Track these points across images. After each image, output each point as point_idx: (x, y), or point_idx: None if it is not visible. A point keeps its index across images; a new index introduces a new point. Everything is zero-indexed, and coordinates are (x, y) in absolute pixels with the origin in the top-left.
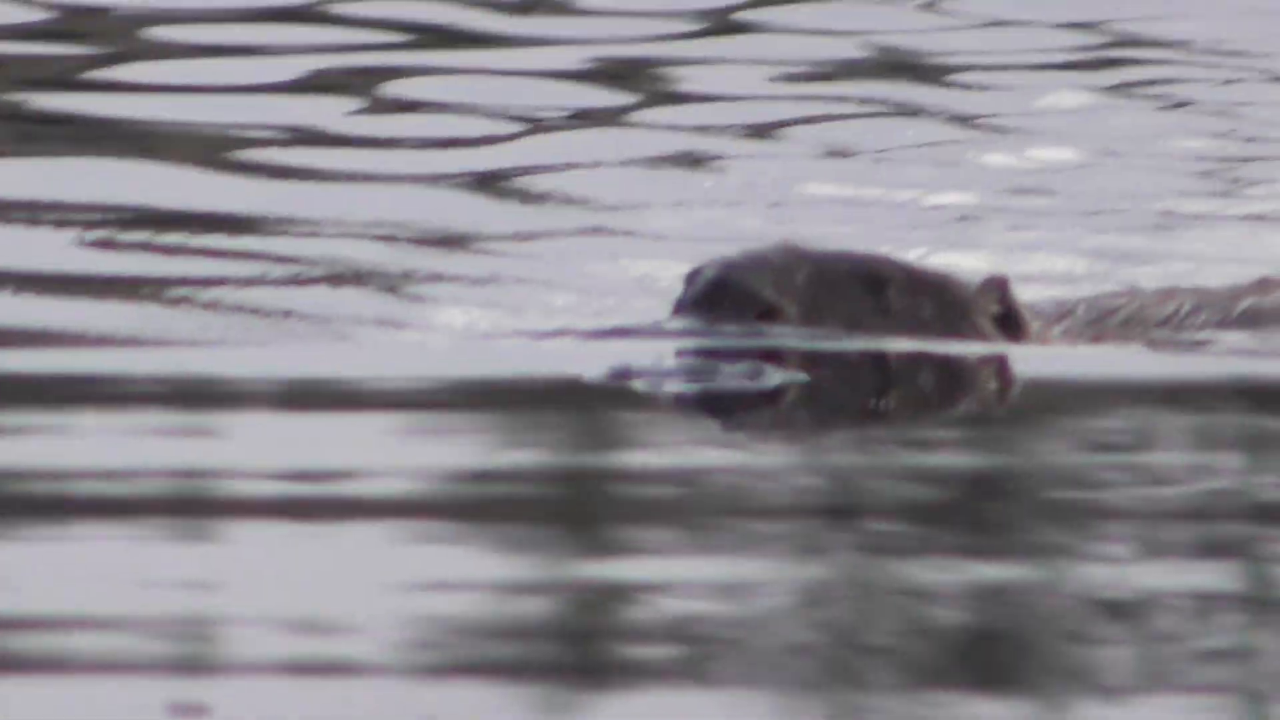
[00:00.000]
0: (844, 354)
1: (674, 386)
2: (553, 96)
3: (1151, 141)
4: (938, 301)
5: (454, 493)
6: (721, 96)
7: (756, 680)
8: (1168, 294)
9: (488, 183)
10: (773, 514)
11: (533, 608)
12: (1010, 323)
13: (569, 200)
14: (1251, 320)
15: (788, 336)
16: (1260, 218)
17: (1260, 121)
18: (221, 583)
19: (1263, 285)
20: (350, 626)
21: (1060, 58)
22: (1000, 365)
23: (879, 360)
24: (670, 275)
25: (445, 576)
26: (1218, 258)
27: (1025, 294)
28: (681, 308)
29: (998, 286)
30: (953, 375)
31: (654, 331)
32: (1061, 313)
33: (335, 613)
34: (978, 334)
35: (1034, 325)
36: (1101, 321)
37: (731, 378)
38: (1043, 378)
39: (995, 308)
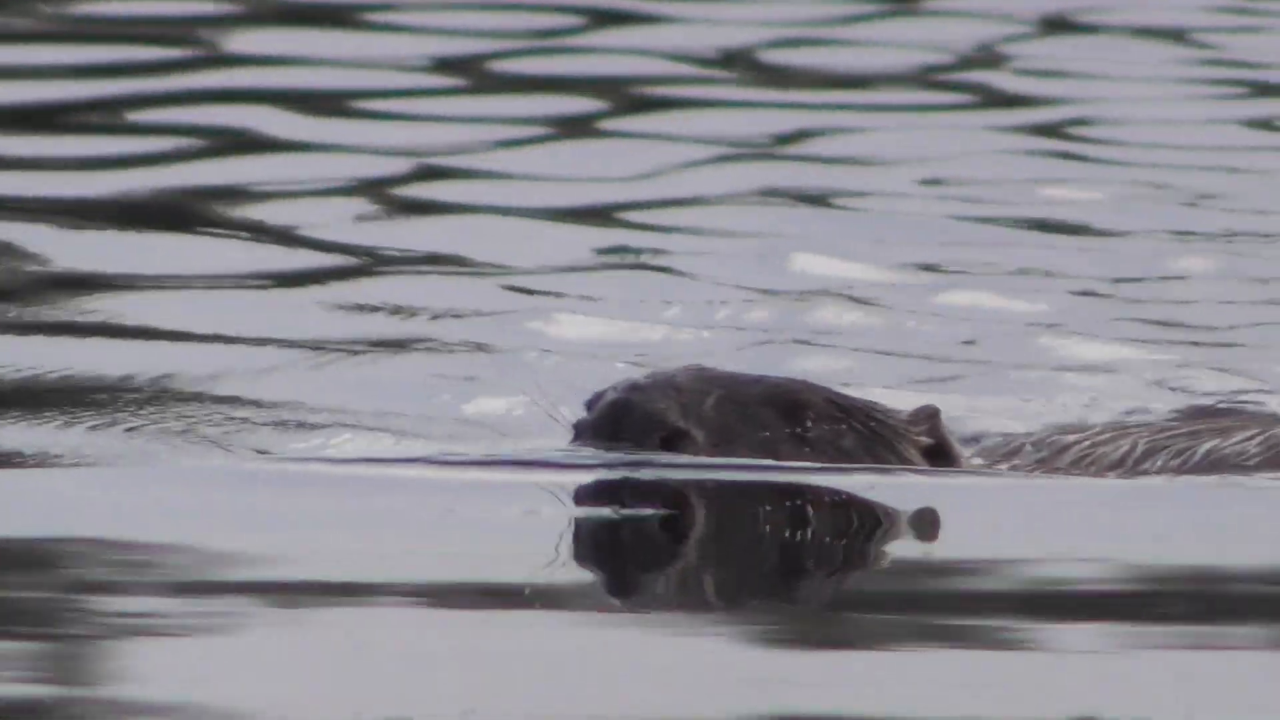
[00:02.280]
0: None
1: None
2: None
3: None
4: (862, 430)
5: None
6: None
7: None
8: (1120, 432)
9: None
10: None
11: None
12: (940, 456)
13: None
14: (1213, 468)
15: (693, 463)
16: None
17: None
18: None
19: (1216, 420)
20: None
21: None
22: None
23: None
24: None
25: None
26: None
27: (973, 426)
28: (580, 433)
29: (928, 417)
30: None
31: (552, 461)
32: (1009, 449)
33: None
34: (905, 466)
35: (968, 459)
36: (1052, 460)
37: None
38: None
39: (925, 439)
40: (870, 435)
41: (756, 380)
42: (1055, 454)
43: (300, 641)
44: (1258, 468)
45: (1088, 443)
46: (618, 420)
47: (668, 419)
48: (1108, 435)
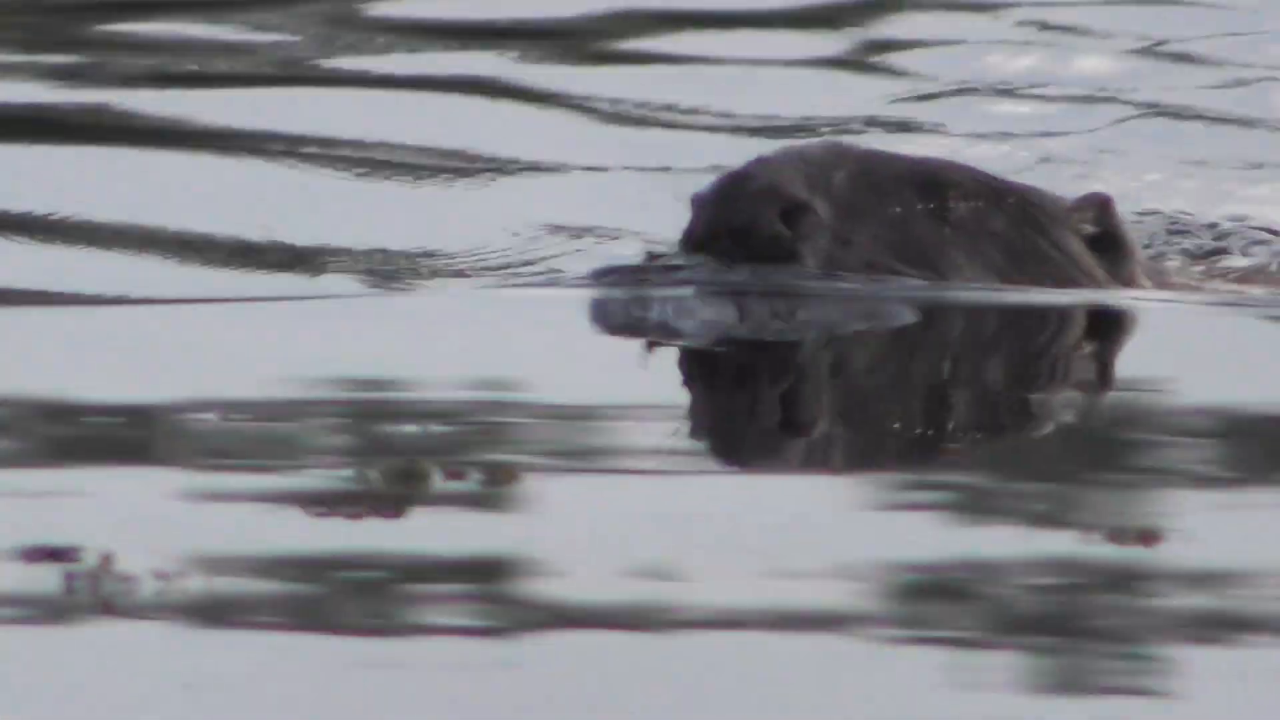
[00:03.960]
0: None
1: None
2: None
3: None
4: (1013, 213)
5: None
6: None
7: None
8: None
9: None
10: None
11: None
12: (1110, 248)
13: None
14: None
15: (804, 274)
16: None
17: None
18: None
19: None
20: None
21: None
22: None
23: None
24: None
25: None
26: None
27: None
28: (696, 206)
29: (1097, 205)
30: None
31: (644, 271)
32: (1262, 264)
33: None
34: (1061, 253)
35: (1141, 254)
36: None
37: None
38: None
39: (1089, 227)
40: (1022, 217)
41: (899, 157)
42: None
43: None
44: None
45: None
46: (734, 192)
47: (787, 190)
48: None
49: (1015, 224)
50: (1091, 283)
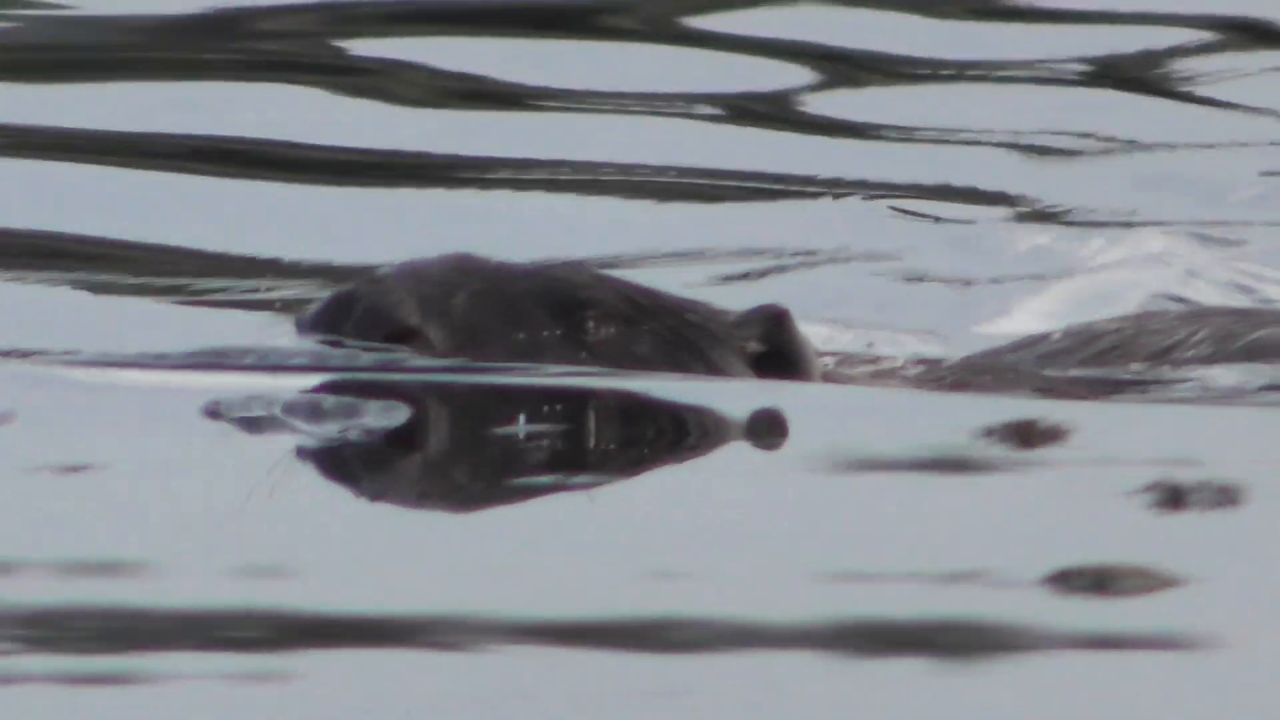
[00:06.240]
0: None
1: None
2: None
3: None
4: (662, 334)
5: None
6: None
7: None
8: (1196, 318)
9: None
10: None
11: None
12: (783, 365)
13: None
14: (1251, 355)
15: (422, 366)
16: None
17: None
18: None
19: None
20: None
21: None
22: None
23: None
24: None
25: None
26: None
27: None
28: (300, 331)
29: (767, 319)
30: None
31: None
32: (1026, 342)
33: None
34: (720, 376)
35: (821, 364)
36: (1078, 351)
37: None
38: None
39: (756, 345)
40: (674, 340)
41: (533, 273)
42: (1083, 344)
43: None
44: None
45: (1134, 331)
46: (337, 316)
47: (396, 314)
48: (1176, 322)
49: (664, 347)
50: None
